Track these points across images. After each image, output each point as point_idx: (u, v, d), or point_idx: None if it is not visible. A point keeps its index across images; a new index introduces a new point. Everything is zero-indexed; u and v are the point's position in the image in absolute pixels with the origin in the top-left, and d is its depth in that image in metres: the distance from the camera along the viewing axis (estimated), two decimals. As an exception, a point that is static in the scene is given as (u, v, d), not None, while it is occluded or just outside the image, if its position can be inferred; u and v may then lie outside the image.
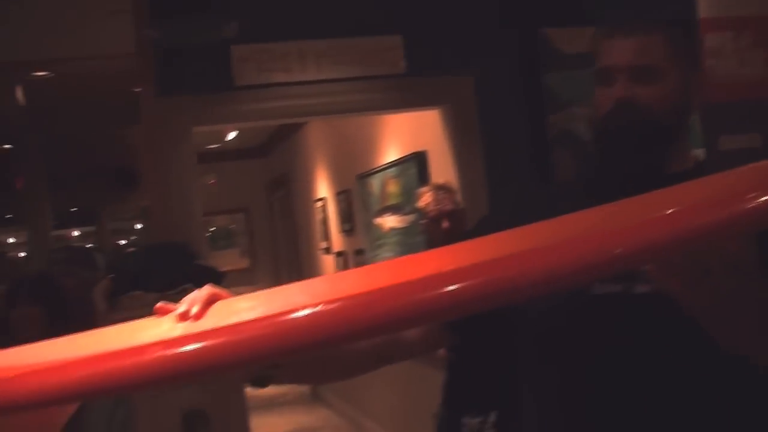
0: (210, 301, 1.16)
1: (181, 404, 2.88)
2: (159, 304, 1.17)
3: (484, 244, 1.14)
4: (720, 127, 3.70)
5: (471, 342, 1.71)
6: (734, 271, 1.14)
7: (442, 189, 3.63)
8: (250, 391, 9.88)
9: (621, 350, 1.43)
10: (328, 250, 7.89)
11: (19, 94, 6.41)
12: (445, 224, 3.54)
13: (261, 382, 1.38)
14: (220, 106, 4.12)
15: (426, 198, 3.61)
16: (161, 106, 4.00)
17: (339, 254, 7.50)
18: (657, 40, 1.51)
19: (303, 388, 9.38)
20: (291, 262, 9.51)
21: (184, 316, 1.13)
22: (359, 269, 1.22)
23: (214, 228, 10.65)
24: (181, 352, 1.02)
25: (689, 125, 1.60)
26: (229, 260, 10.34)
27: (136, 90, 4.12)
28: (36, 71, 5.85)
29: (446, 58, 4.34)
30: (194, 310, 1.13)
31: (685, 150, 1.58)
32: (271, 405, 8.91)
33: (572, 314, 1.48)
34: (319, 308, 1.01)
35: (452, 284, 1.00)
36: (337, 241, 7.59)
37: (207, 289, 1.19)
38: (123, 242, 14.38)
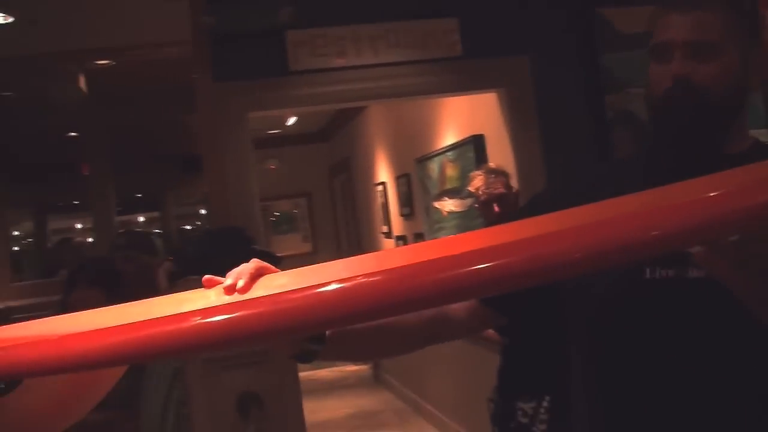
0: (256, 275, 1.18)
1: (235, 386, 2.92)
2: (206, 277, 1.20)
3: (528, 225, 1.14)
4: (782, 106, 3.61)
5: (518, 323, 1.71)
6: None
7: (493, 173, 3.62)
8: (310, 374, 9.98)
9: (673, 335, 1.41)
10: (388, 234, 7.90)
11: (82, 82, 6.52)
12: (496, 208, 3.52)
13: (305, 358, 1.40)
14: (275, 91, 4.16)
15: (477, 182, 3.60)
16: (217, 92, 4.05)
17: (399, 238, 7.51)
18: (715, 15, 1.48)
19: (365, 372, 9.44)
20: (352, 247, 9.55)
21: (230, 289, 1.15)
22: (405, 247, 1.22)
23: (279, 213, 10.72)
24: (216, 321, 1.05)
25: (748, 104, 1.55)
26: (291, 245, 10.43)
27: (194, 77, 4.16)
28: (97, 60, 5.94)
29: (503, 40, 4.31)
30: (240, 283, 1.15)
31: (743, 130, 1.54)
32: (332, 387, 8.99)
33: (625, 298, 1.47)
34: (351, 282, 1.04)
35: (485, 262, 1.01)
36: (397, 224, 7.59)
37: (253, 263, 1.21)
38: (188, 227, 14.54)
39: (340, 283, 1.04)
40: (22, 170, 10.23)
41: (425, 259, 1.06)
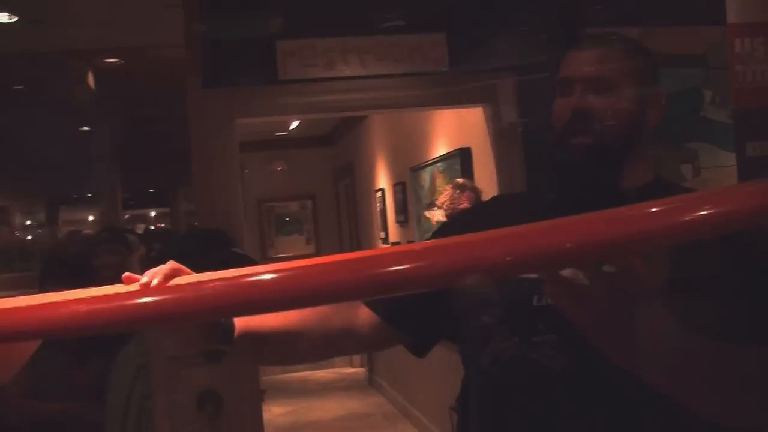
0: (171, 276, 1.26)
1: (197, 383, 3.03)
2: (126, 274, 1.27)
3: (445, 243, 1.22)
4: (749, 134, 3.68)
5: (428, 341, 1.77)
6: (627, 295, 1.14)
7: (459, 188, 3.71)
8: (307, 374, 9.99)
9: (557, 360, 1.45)
10: (385, 240, 8.01)
11: (91, 80, 6.67)
12: (458, 223, 3.61)
13: (214, 357, 1.49)
14: (264, 99, 4.26)
15: (443, 197, 3.70)
16: (207, 98, 4.16)
17: (394, 245, 7.61)
18: (615, 54, 1.56)
19: (360, 374, 9.53)
20: (353, 250, 9.61)
21: (145, 287, 1.22)
22: (320, 259, 1.31)
23: (290, 215, 10.82)
24: (111, 306, 1.13)
25: (645, 142, 1.61)
26: (294, 246, 10.55)
27: (185, 82, 4.27)
28: (106, 58, 6.08)
29: (490, 57, 4.38)
30: (155, 281, 1.23)
31: (641, 165, 1.59)
32: (327, 389, 9.09)
33: (513, 325, 1.52)
34: (242, 280, 1.12)
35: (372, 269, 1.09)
36: (393, 231, 7.70)
37: (169, 264, 1.28)
38: (197, 223, 14.70)
39: (228, 282, 1.13)
40: (36, 162, 10.40)
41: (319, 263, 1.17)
